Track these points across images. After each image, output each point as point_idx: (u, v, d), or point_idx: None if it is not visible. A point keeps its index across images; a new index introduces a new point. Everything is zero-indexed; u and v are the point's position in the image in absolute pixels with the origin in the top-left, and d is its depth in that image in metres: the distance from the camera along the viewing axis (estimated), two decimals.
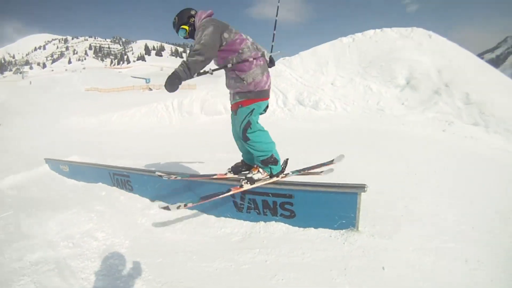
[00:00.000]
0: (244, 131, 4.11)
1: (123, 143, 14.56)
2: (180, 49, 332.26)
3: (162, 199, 5.70)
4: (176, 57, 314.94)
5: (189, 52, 3.71)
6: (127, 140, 15.45)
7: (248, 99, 4.04)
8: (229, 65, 4.00)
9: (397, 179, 5.98)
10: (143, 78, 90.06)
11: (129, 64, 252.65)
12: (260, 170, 4.31)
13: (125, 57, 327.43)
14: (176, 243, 4.33)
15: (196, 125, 17.09)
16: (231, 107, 4.31)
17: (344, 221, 3.90)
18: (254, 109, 4.08)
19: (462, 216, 4.35)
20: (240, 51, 3.94)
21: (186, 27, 4.19)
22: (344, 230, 3.90)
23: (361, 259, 3.43)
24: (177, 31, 4.25)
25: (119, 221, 5.11)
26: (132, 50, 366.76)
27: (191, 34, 4.23)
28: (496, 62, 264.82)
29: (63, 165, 9.17)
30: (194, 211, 5.15)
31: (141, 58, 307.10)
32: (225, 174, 4.64)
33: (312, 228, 4.02)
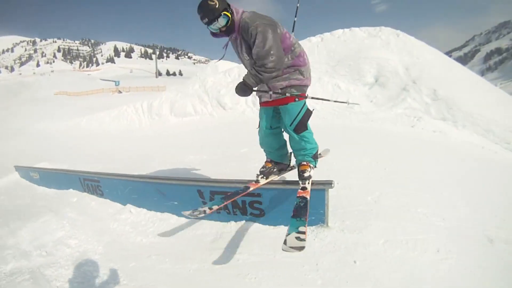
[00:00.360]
0: (302, 124, 3.99)
1: (94, 148, 14.40)
2: (150, 51, 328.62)
3: (133, 203, 5.66)
4: (146, 58, 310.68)
5: (261, 65, 3.47)
6: (97, 145, 15.27)
7: (304, 93, 3.97)
8: (286, 60, 3.76)
9: (366, 175, 6.09)
10: (112, 81, 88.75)
11: (98, 67, 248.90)
12: (311, 165, 4.03)
13: (94, 59, 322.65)
14: (148, 247, 4.33)
15: (166, 127, 16.99)
16: (278, 101, 3.94)
17: (313, 218, 3.96)
18: (305, 102, 4.00)
19: (432, 208, 4.46)
20: (293, 47, 3.80)
21: (229, 14, 3.54)
22: (314, 227, 3.96)
23: (332, 254, 3.49)
24: (215, 19, 3.50)
25: (91, 227, 5.08)
26: (101, 52, 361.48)
27: (229, 28, 3.64)
28: (464, 60, 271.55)
29: (33, 172, 9.04)
30: (165, 214, 5.14)
31: (110, 60, 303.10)
32: (257, 182, 4.23)
33: (283, 226, 4.07)
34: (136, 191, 5.70)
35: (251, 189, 4.07)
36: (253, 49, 3.54)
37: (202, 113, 17.01)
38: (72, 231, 4.87)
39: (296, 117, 3.89)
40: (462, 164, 7.27)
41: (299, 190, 3.83)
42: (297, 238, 3.06)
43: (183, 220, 4.84)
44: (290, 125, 3.93)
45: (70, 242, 4.52)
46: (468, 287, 3.10)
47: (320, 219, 3.98)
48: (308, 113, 4.02)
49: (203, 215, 3.73)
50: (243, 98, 15.95)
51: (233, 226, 4.35)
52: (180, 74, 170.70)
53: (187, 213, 3.73)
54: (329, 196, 3.89)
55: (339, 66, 15.79)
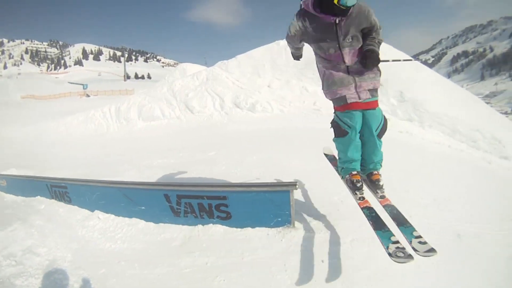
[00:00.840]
0: (383, 131, 3.71)
1: (61, 153, 14.12)
2: (118, 53, 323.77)
3: (101, 209, 5.61)
4: (114, 61, 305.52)
5: (379, 33, 3.42)
6: (65, 150, 14.97)
7: None
8: None
9: (333, 175, 6.17)
10: (80, 84, 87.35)
11: (66, 69, 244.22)
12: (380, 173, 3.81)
13: (62, 61, 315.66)
14: (117, 253, 4.32)
15: (134, 131, 16.75)
16: (368, 103, 3.55)
17: (279, 219, 4.04)
18: None
19: (399, 205, 4.57)
20: None
21: None
22: (281, 228, 4.04)
23: (299, 254, 3.57)
24: None
25: (60, 234, 5.02)
26: (69, 54, 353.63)
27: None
28: (431, 62, 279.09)
29: (1, 180, 8.85)
30: (133, 219, 5.12)
31: (78, 62, 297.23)
32: (366, 200, 3.80)
33: (249, 228, 4.13)
34: (103, 197, 5.67)
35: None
36: (373, 28, 3.38)
37: (170, 116, 16.80)
38: (41, 239, 4.79)
39: (381, 122, 3.63)
40: (429, 163, 7.48)
41: (382, 200, 3.71)
42: (420, 242, 2.97)
43: (151, 225, 4.84)
44: (376, 131, 3.63)
45: (39, 251, 4.45)
46: (436, 280, 3.22)
47: (286, 220, 4.06)
48: (386, 119, 3.72)
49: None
50: (210, 102, 16.02)
51: (200, 230, 4.38)
52: (149, 77, 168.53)
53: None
54: (294, 197, 3.96)
55: (307, 69, 15.89)
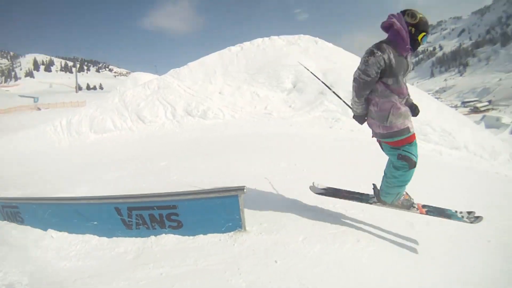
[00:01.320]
0: None
1: (11, 172, 13.60)
2: (70, 63, 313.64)
3: (54, 227, 5.50)
4: (66, 72, 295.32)
5: None
6: (15, 168, 14.44)
7: None
8: None
9: (284, 177, 6.34)
10: (31, 97, 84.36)
11: (16, 82, 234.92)
12: None
13: (13, 73, 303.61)
14: (73, 271, 4.28)
15: (86, 144, 16.26)
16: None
17: (230, 224, 4.13)
18: None
19: (352, 202, 4.72)
20: None
21: None
22: (232, 232, 4.12)
23: (253, 257, 3.66)
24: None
25: (14, 257, 4.89)
26: (20, 65, 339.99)
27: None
28: None
29: None
30: (86, 236, 5.05)
31: (29, 74, 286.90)
32: (419, 204, 4.26)
33: (201, 235, 4.20)
34: (56, 215, 5.56)
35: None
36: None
37: (122, 128, 16.52)
38: None
39: None
40: (379, 158, 7.76)
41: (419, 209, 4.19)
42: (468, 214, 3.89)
43: (104, 240, 4.80)
44: None
45: None
46: (389, 271, 3.39)
47: (237, 225, 4.15)
48: None
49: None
50: (161, 111, 16.13)
51: (153, 241, 4.39)
52: (101, 87, 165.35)
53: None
54: (243, 201, 4.04)
55: (258, 74, 16.18)
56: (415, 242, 4.03)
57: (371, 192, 4.45)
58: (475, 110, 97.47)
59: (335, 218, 4.38)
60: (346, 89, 13.75)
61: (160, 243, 4.31)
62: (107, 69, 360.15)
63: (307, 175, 6.26)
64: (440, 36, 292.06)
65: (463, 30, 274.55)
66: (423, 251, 3.86)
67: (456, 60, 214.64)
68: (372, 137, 4.11)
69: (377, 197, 4.17)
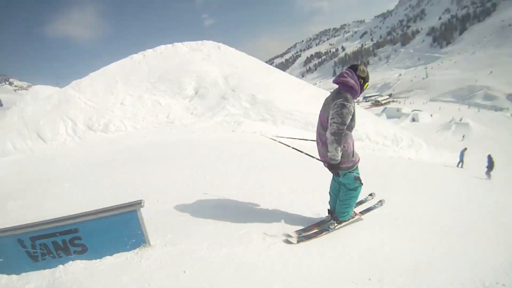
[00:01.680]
0: None
1: None
2: None
3: None
4: None
5: None
6: None
7: None
8: None
9: (187, 186, 6.27)
10: None
11: None
12: None
13: None
14: None
15: None
16: None
17: (134, 240, 3.94)
18: None
19: (255, 201, 4.76)
20: None
21: None
22: (137, 249, 3.95)
23: (160, 271, 3.53)
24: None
25: None
26: None
27: None
28: (286, 65, 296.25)
29: None
30: None
31: None
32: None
33: (108, 256, 3.95)
34: None
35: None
36: None
37: (22, 149, 15.18)
38: None
39: None
40: (283, 157, 7.93)
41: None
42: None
43: (14, 278, 4.41)
44: None
45: None
46: (300, 263, 3.44)
47: (141, 240, 3.96)
48: None
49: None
50: (62, 127, 15.06)
51: (61, 270, 4.09)
52: (0, 104, 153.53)
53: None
54: (142, 215, 3.90)
55: (160, 82, 15.92)
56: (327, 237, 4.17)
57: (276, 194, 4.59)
58: (377, 104, 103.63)
59: (239, 220, 4.36)
60: (248, 93, 14.18)
61: (69, 272, 4.02)
62: (6, 82, 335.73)
63: (207, 180, 6.29)
64: (343, 38, 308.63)
65: (365, 32, 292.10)
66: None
67: (357, 60, 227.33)
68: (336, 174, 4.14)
69: (337, 220, 4.31)
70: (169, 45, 19.83)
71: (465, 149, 21.05)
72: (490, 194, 9.11)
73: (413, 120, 66.36)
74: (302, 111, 14.10)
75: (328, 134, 3.81)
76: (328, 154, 3.87)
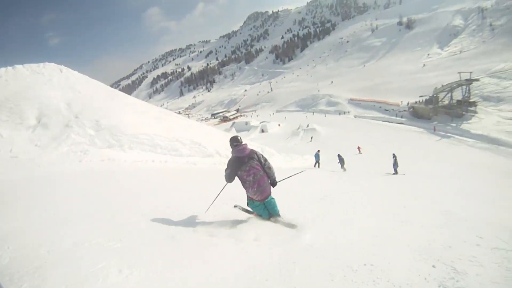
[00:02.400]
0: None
1: None
2: None
3: None
4: None
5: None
6: None
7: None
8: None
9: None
10: None
11: None
12: None
13: None
14: None
15: None
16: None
17: None
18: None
19: (106, 237, 4.58)
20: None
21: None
22: None
23: None
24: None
25: None
26: None
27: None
28: (133, 87, 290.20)
29: None
30: None
31: None
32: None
33: None
34: None
35: None
36: None
37: None
38: None
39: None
40: (135, 181, 8.57)
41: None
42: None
43: None
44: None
45: None
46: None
47: None
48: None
49: None
50: None
51: None
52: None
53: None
54: None
55: (0, 111, 14.44)
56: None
57: None
58: (225, 119, 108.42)
59: (93, 255, 4.06)
60: (93, 118, 14.08)
61: None
62: None
63: (51, 219, 5.69)
64: (189, 58, 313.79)
65: (210, 52, 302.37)
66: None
67: (203, 79, 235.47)
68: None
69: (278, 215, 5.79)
70: (10, 68, 18.26)
71: (319, 151, 25.83)
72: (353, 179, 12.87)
73: (262, 131, 71.47)
74: (148, 133, 14.50)
75: (270, 168, 5.50)
76: (275, 177, 5.61)
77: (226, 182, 5.47)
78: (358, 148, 38.74)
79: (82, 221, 5.43)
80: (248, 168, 5.27)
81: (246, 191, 5.46)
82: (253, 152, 5.42)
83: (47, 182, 8.99)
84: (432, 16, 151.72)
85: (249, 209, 5.85)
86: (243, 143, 5.50)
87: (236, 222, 5.43)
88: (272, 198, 5.63)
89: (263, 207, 5.61)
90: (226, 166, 5.38)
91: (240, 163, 5.29)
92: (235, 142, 5.48)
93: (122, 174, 9.93)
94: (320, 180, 12.63)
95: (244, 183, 5.40)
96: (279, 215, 5.68)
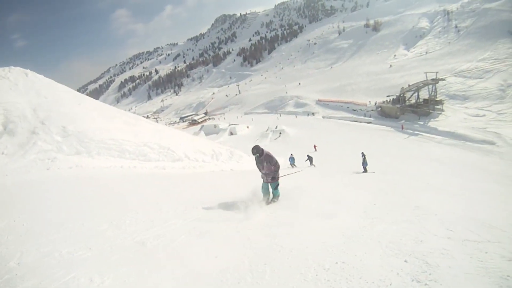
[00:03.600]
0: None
1: None
2: None
3: None
4: None
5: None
6: None
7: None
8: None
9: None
10: None
11: None
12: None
13: None
14: None
15: None
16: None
17: None
18: None
19: (76, 247, 4.63)
20: None
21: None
22: None
23: None
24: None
25: None
26: None
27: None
28: (100, 91, 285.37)
29: None
30: None
31: None
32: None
33: None
34: None
35: None
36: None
37: None
38: None
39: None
40: (105, 189, 8.53)
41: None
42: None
43: None
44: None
45: None
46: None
47: None
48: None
49: None
50: None
51: None
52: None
53: None
54: None
55: None
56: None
57: None
58: (194, 123, 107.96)
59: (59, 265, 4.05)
60: (60, 124, 13.83)
61: None
62: None
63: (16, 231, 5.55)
64: (157, 61, 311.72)
65: (178, 55, 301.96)
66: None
67: (171, 82, 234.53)
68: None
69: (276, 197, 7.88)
70: None
71: (291, 154, 28.71)
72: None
73: (231, 134, 71.62)
74: (116, 138, 14.38)
75: (275, 167, 7.57)
76: (276, 174, 7.63)
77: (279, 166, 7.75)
78: (314, 146, 41.35)
79: (52, 230, 5.39)
80: (262, 166, 7.67)
81: (261, 176, 7.90)
82: (267, 156, 7.55)
83: (14, 191, 8.80)
84: (399, 18, 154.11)
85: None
86: (263, 150, 7.56)
87: (206, 227, 5.43)
88: (275, 183, 7.73)
89: (267, 186, 7.78)
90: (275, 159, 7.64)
91: (258, 162, 7.75)
92: (257, 152, 7.50)
93: (90, 181, 9.80)
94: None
95: (260, 171, 7.87)
96: (276, 199, 7.74)
